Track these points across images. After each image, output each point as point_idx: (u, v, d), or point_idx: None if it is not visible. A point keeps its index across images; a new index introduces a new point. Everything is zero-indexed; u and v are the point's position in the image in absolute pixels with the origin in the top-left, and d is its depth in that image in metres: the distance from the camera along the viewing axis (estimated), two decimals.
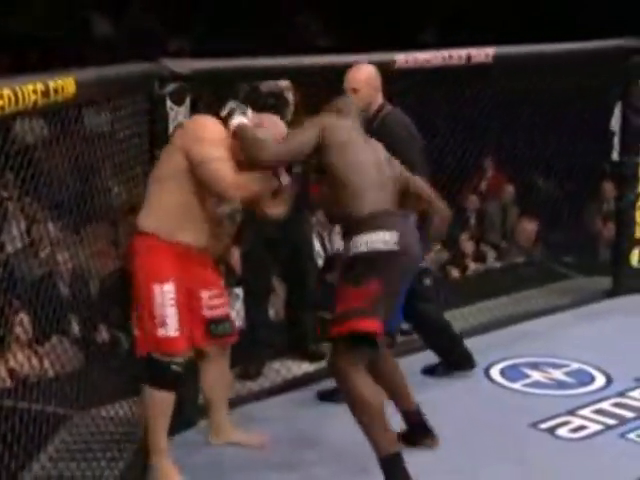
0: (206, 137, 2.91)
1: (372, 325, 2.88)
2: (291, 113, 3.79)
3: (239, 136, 3.00)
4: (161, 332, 2.93)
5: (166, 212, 2.93)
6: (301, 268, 4.05)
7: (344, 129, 3.03)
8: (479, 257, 5.86)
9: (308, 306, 4.06)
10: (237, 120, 3.01)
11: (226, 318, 3.17)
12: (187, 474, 3.14)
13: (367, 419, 2.90)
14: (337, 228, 4.67)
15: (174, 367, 2.95)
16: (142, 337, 2.98)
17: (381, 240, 2.88)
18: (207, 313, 3.10)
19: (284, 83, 3.76)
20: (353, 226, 2.95)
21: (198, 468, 3.20)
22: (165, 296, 2.92)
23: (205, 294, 3.09)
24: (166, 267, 2.93)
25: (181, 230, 2.96)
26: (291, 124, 3.37)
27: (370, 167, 2.99)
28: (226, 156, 2.92)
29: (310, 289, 4.07)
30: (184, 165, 2.91)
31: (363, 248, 2.90)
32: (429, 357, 3.95)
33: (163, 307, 2.92)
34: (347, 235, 2.98)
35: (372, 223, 2.91)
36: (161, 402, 2.97)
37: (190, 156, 2.89)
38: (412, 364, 3.92)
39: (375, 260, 2.89)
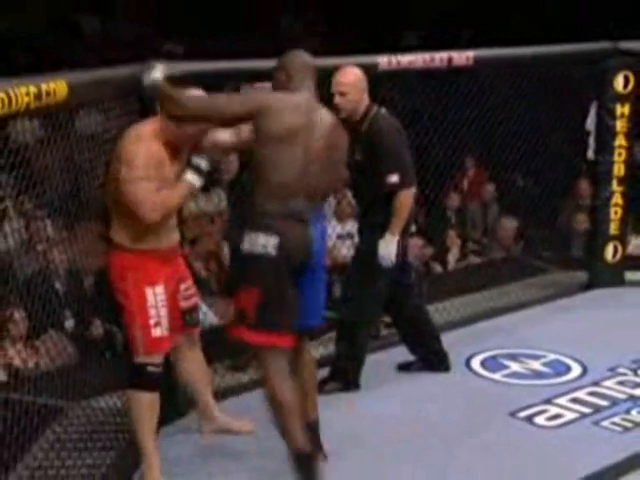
0: (127, 158, 2.83)
1: (254, 338, 2.81)
2: None
3: (159, 94, 2.90)
4: (157, 332, 2.95)
5: (133, 227, 2.92)
6: None
7: (287, 115, 2.76)
8: (461, 253, 5.89)
9: None
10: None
11: (197, 308, 3.22)
12: (178, 463, 3.13)
13: (281, 418, 2.84)
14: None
15: (152, 368, 2.96)
16: (133, 341, 2.98)
17: (260, 243, 2.76)
18: (183, 304, 3.12)
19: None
20: (249, 219, 2.82)
21: (189, 457, 3.20)
22: (157, 298, 2.94)
23: (182, 286, 3.12)
24: (153, 271, 2.95)
25: (152, 238, 2.95)
26: None
27: (298, 166, 2.77)
28: (146, 175, 2.81)
29: None
30: None
31: (247, 246, 2.79)
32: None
33: (157, 308, 2.94)
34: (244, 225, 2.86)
35: (260, 223, 2.78)
36: (147, 404, 2.98)
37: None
38: (396, 356, 3.94)
39: (253, 265, 2.78)
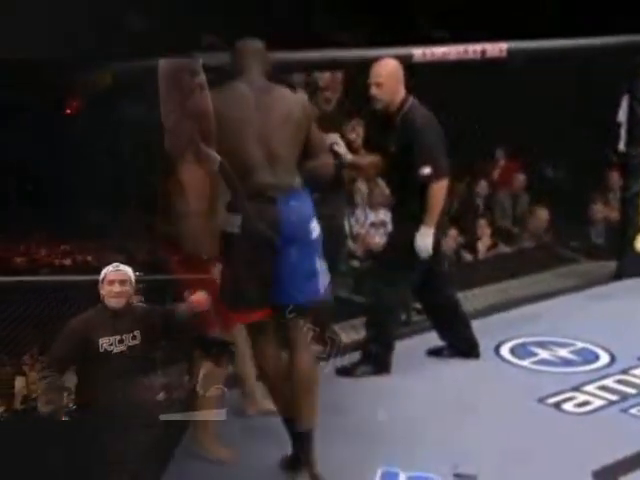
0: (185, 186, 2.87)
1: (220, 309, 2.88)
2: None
3: None
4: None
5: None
6: (333, 249, 3.99)
7: (226, 107, 2.79)
8: (491, 242, 5.83)
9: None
10: None
11: None
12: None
13: (276, 395, 2.96)
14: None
15: (232, 347, 3.01)
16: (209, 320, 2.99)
17: (229, 222, 2.82)
18: None
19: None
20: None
21: (229, 434, 3.18)
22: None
23: None
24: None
25: None
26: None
27: (253, 146, 2.80)
28: (199, 207, 2.86)
29: (340, 270, 4.05)
30: None
31: (221, 224, 2.83)
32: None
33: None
34: None
35: (230, 203, 2.82)
36: (217, 378, 3.02)
37: None
38: (427, 342, 3.93)
39: (224, 241, 2.83)
